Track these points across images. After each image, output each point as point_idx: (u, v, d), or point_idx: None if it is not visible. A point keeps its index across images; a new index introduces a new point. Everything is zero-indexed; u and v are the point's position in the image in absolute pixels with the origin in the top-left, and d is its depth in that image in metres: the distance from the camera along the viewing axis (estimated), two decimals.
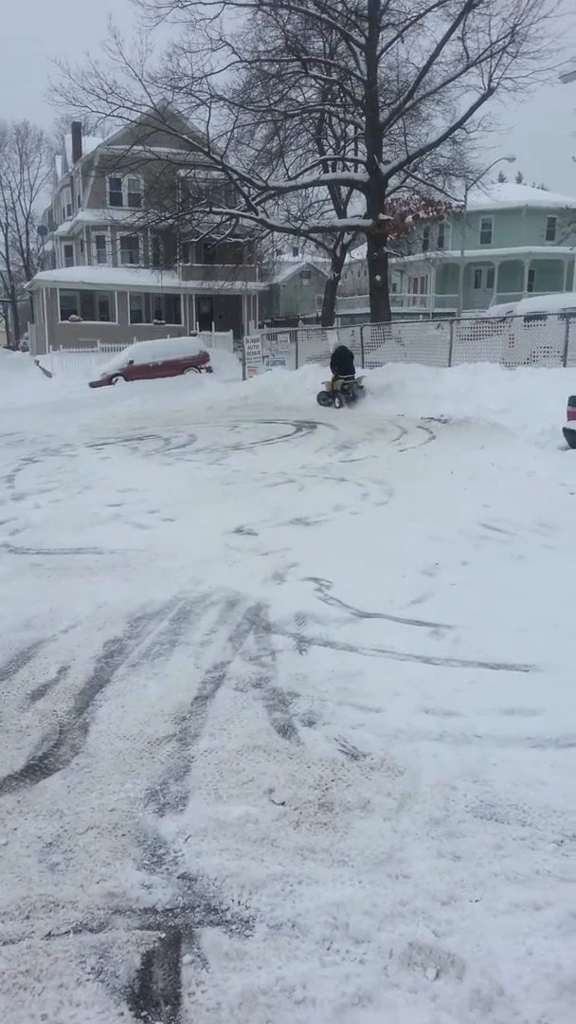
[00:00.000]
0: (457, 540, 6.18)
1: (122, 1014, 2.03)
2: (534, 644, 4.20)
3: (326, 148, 25.50)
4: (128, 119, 20.79)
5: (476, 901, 2.39)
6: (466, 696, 3.65)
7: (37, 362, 32.93)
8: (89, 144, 36.82)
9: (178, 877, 2.53)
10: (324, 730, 3.39)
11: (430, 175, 23.22)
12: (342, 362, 15.63)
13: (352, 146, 25.46)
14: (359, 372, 15.97)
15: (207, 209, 21.86)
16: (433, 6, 19.42)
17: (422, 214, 21.47)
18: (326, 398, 15.81)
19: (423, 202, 21.65)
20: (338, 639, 4.34)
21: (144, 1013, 2.04)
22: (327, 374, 16.14)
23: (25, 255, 63.01)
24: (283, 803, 2.89)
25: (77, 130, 38.82)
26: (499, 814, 2.80)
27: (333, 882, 2.48)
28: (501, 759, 3.12)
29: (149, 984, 2.12)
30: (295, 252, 50.92)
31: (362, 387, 15.62)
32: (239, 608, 4.85)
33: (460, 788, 2.94)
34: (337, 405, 15.53)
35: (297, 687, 3.78)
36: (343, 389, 15.57)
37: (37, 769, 3.17)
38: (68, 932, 2.30)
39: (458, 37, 19.10)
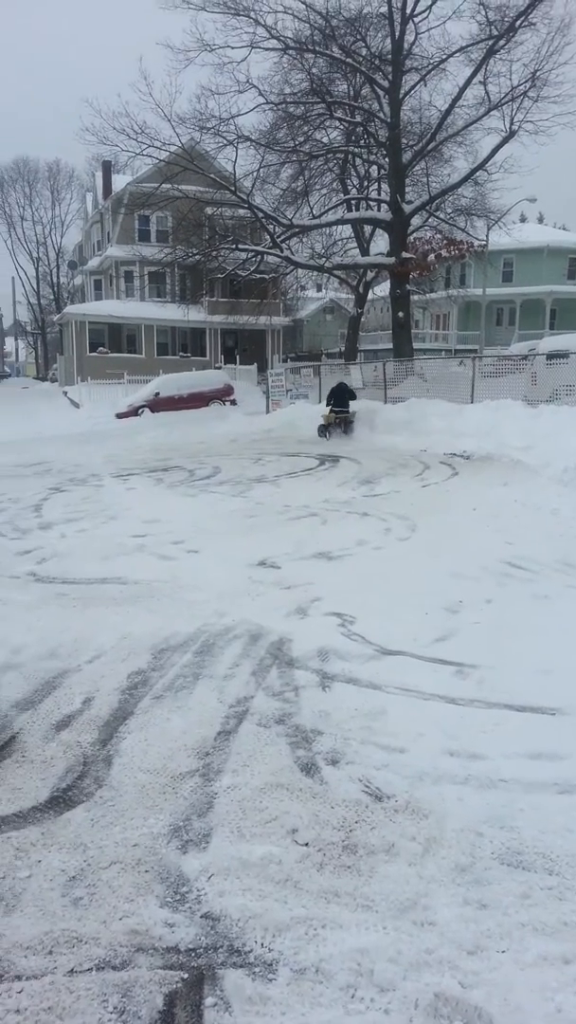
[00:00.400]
0: (480, 577, 6.15)
1: None
2: (560, 686, 4.15)
3: (350, 188, 26.00)
4: (157, 158, 21.38)
5: (503, 952, 2.34)
6: (491, 738, 3.61)
7: (65, 393, 33.55)
8: (119, 182, 38.00)
9: (201, 916, 2.51)
10: (348, 770, 3.36)
11: (452, 215, 23.56)
12: (337, 396, 16.79)
13: (375, 186, 25.96)
14: (354, 407, 16.89)
15: (233, 246, 22.32)
16: (455, 52, 19.91)
17: (444, 253, 21.78)
18: (323, 430, 16.74)
19: (445, 241, 21.97)
20: (361, 676, 4.33)
21: None
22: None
23: (55, 289, 64.71)
24: (306, 844, 2.86)
25: (107, 168, 40.06)
26: (526, 862, 2.76)
27: (357, 927, 2.45)
28: (528, 805, 3.08)
29: None
30: (319, 288, 51.65)
31: (351, 422, 16.63)
32: (262, 642, 4.85)
33: (486, 834, 2.90)
34: (328, 437, 16.42)
35: (320, 724, 3.77)
36: (336, 422, 16.61)
37: (61, 801, 3.18)
38: (91, 969, 2.29)
39: (480, 81, 19.54)
